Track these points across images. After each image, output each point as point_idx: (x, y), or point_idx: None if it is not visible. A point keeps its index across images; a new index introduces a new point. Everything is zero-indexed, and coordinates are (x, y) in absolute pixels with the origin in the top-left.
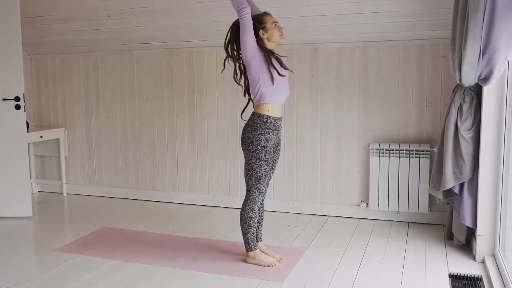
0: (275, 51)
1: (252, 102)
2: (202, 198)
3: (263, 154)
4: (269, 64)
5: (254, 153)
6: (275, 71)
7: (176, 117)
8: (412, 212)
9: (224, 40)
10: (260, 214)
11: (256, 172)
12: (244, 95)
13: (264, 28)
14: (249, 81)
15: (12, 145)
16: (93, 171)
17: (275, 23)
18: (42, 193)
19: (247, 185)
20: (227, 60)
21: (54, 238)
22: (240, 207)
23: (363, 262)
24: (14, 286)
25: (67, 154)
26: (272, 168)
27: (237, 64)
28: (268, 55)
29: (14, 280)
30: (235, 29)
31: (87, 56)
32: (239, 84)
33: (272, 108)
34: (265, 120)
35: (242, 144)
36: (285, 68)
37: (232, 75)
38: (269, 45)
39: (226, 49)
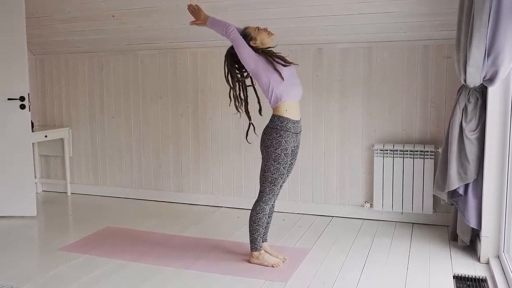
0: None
1: (247, 121)
2: (206, 198)
3: (282, 157)
4: (273, 62)
5: (273, 155)
6: (281, 65)
7: (180, 117)
8: (416, 213)
9: (226, 77)
10: (269, 215)
11: (272, 174)
12: (249, 118)
13: (252, 38)
14: (263, 90)
15: (16, 145)
16: (97, 171)
17: (257, 28)
18: (47, 193)
19: (261, 186)
20: (232, 92)
21: (58, 237)
22: (251, 207)
23: (367, 263)
24: (17, 285)
25: (72, 153)
26: (288, 171)
27: (239, 91)
28: (269, 55)
29: (17, 279)
30: (229, 58)
31: (92, 56)
32: (239, 111)
33: (289, 107)
34: (285, 122)
35: (261, 146)
36: (289, 62)
37: (234, 103)
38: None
39: (227, 81)
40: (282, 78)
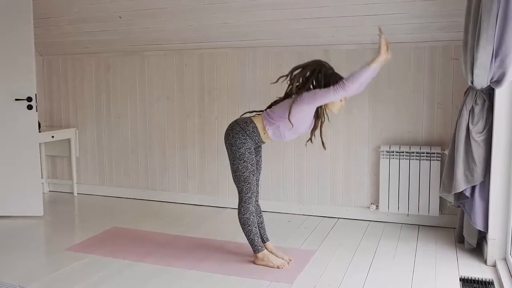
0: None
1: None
2: (212, 199)
3: (246, 155)
4: (311, 124)
5: (237, 154)
6: (307, 129)
7: (186, 118)
8: (423, 215)
9: (298, 68)
10: (259, 214)
11: (243, 173)
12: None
13: (334, 88)
14: (284, 111)
15: (24, 145)
16: (103, 172)
17: (345, 97)
18: (53, 193)
19: (237, 187)
20: (284, 79)
21: (65, 237)
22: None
23: (372, 265)
24: (24, 285)
25: (78, 154)
26: (258, 168)
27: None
28: (318, 118)
29: (24, 279)
30: (321, 69)
31: (98, 57)
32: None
33: (267, 137)
34: (255, 134)
35: (226, 141)
36: (310, 139)
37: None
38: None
39: (294, 76)
40: (294, 132)
